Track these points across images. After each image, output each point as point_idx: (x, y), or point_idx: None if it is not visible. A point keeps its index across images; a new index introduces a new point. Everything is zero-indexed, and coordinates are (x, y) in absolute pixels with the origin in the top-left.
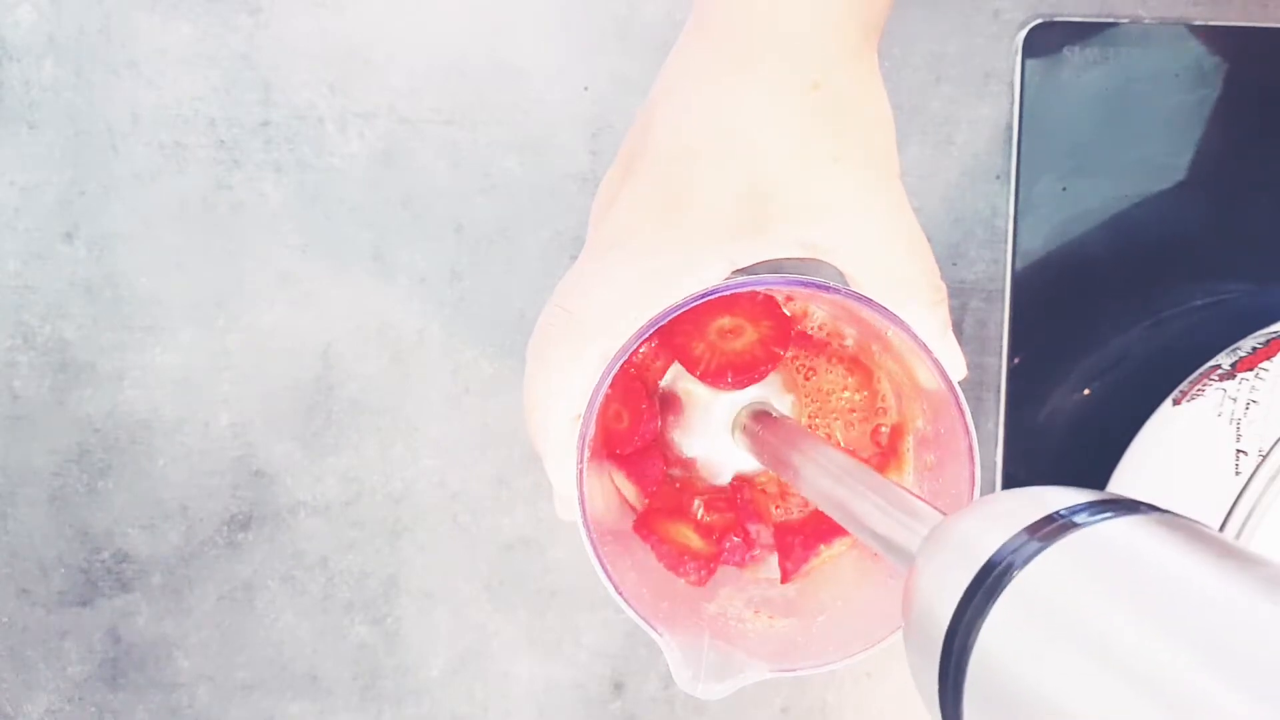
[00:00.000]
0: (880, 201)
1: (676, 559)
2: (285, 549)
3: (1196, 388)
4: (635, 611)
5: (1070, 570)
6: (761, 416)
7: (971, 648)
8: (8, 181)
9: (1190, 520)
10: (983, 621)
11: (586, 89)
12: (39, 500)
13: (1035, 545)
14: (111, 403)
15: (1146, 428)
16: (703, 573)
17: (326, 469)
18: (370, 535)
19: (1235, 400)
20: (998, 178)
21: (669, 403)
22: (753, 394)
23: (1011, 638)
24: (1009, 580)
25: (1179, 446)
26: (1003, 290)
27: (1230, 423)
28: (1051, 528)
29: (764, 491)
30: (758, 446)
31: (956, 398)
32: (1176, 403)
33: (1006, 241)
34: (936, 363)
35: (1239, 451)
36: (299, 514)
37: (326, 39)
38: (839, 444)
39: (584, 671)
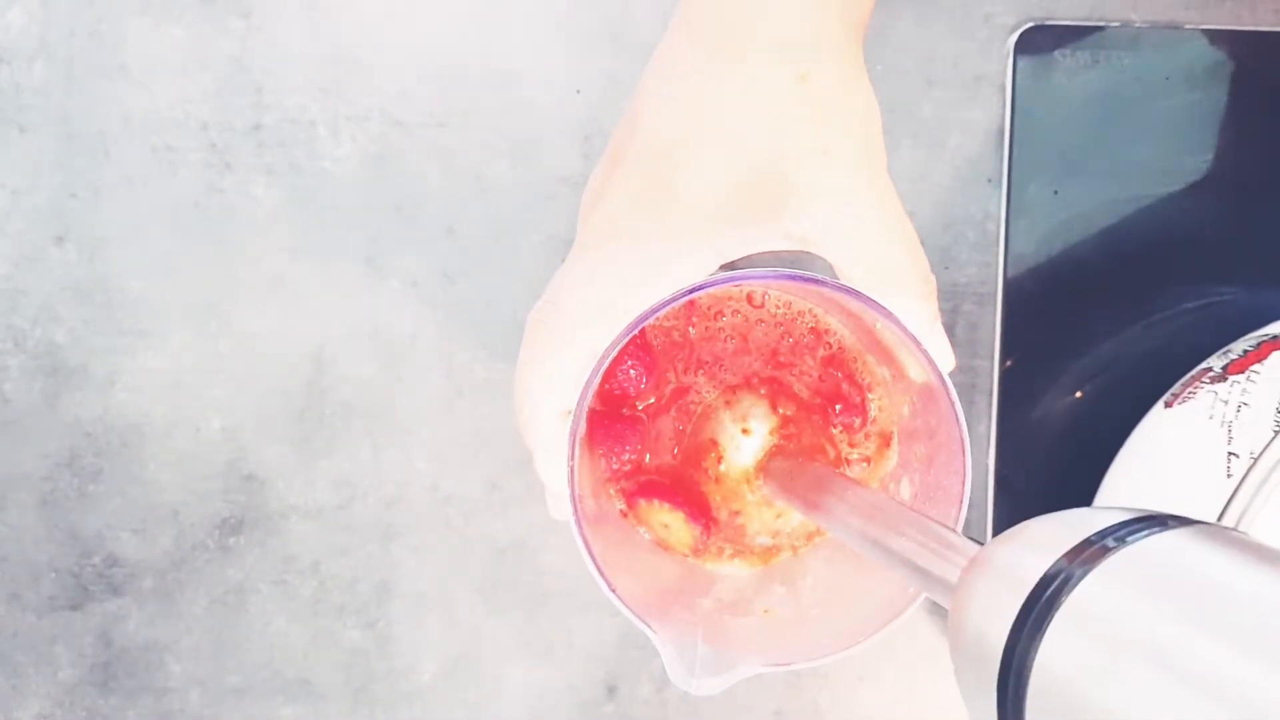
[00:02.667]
0: (868, 194)
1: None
2: (277, 553)
3: (1188, 390)
4: (628, 608)
5: (1119, 588)
6: (788, 460)
7: (1030, 671)
8: None
9: (1221, 527)
10: (1038, 645)
11: (579, 92)
12: (29, 504)
13: (1081, 567)
14: (102, 406)
15: (1138, 430)
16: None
17: (318, 473)
18: (362, 539)
19: (1227, 403)
20: (989, 181)
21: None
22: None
23: (1071, 658)
24: (1060, 602)
25: (1171, 449)
26: (994, 293)
27: (1222, 425)
28: (1093, 549)
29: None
30: (784, 489)
31: (947, 389)
32: (1168, 405)
33: (998, 245)
34: (926, 355)
35: (1230, 454)
36: (291, 518)
37: (318, 42)
38: (861, 480)
39: (577, 674)
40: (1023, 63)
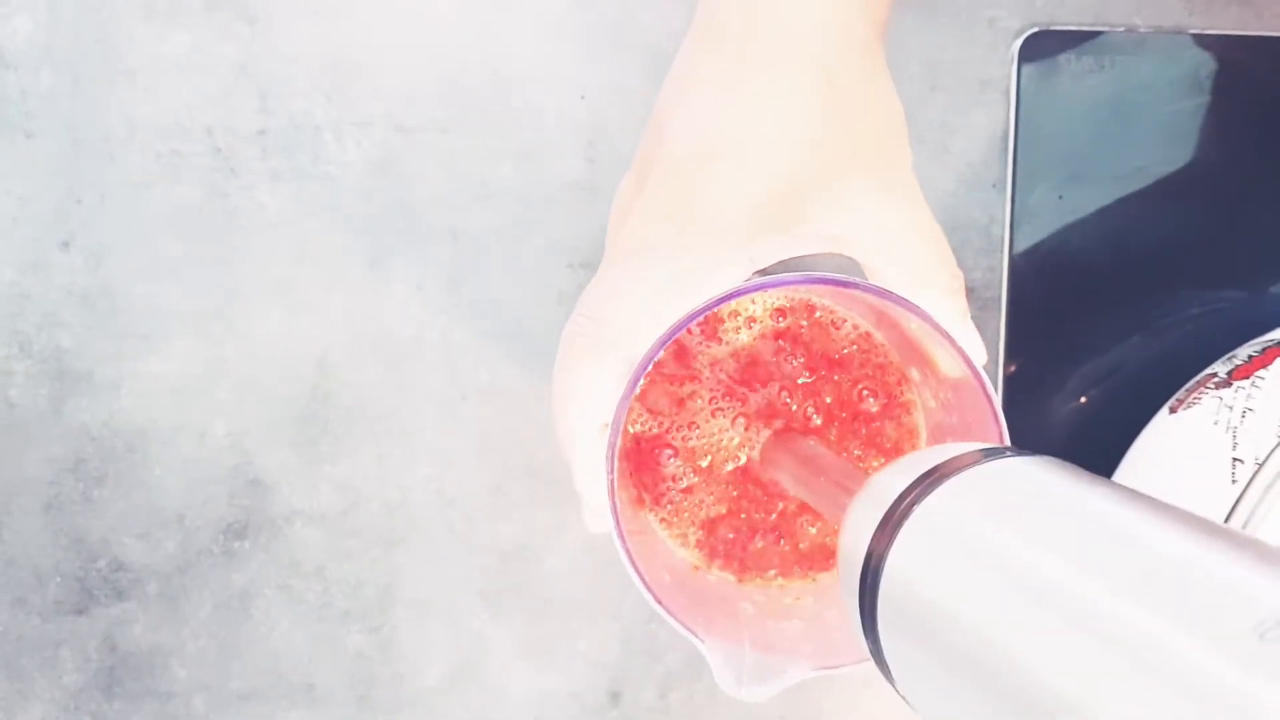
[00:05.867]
0: (896, 193)
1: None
2: (281, 558)
3: (1193, 396)
4: (674, 618)
5: (957, 499)
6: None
7: (881, 573)
8: (4, 190)
9: (1056, 461)
10: (889, 550)
11: (583, 97)
12: (35, 509)
13: (931, 485)
14: (108, 411)
15: (1143, 436)
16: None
17: (323, 477)
18: (367, 544)
19: (1231, 408)
20: (994, 186)
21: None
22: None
23: (910, 558)
24: (910, 513)
25: (1175, 454)
26: (999, 298)
27: (1226, 431)
28: (946, 469)
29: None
30: (765, 460)
31: (982, 384)
32: (1173, 411)
33: (1003, 249)
34: (961, 350)
35: (1235, 459)
36: (295, 523)
37: (323, 48)
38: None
39: (581, 681)
40: (1027, 67)
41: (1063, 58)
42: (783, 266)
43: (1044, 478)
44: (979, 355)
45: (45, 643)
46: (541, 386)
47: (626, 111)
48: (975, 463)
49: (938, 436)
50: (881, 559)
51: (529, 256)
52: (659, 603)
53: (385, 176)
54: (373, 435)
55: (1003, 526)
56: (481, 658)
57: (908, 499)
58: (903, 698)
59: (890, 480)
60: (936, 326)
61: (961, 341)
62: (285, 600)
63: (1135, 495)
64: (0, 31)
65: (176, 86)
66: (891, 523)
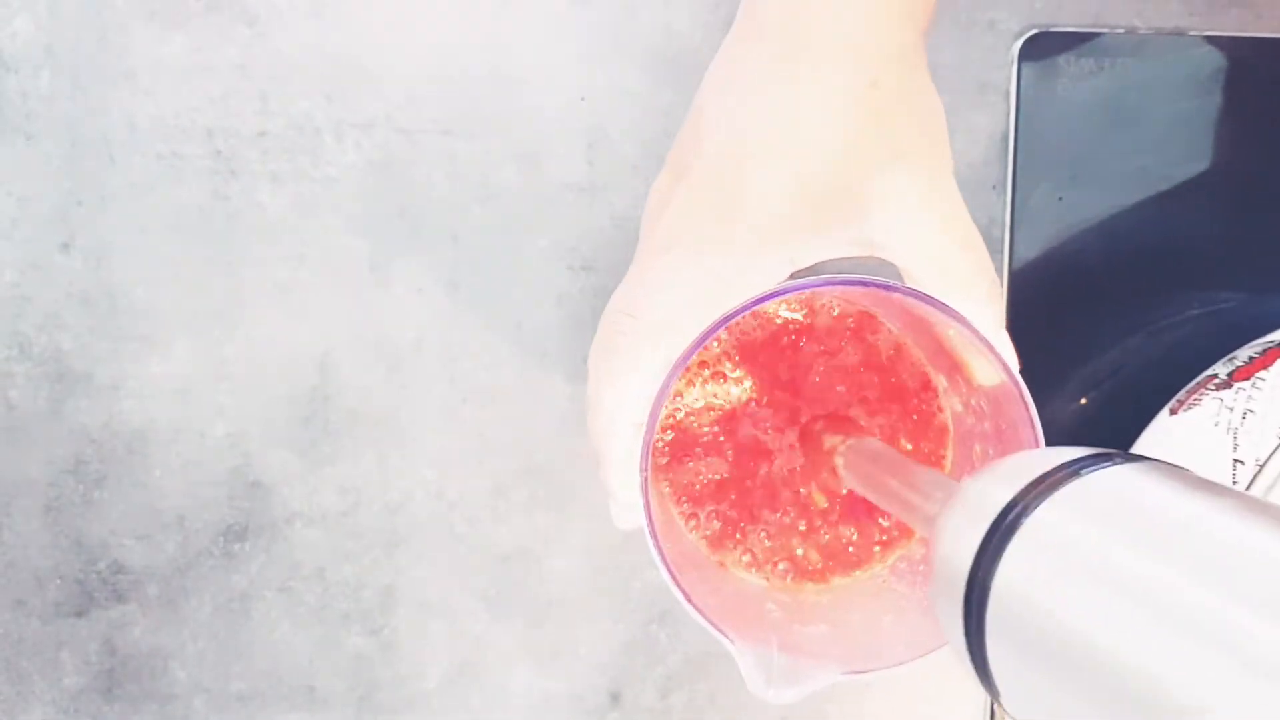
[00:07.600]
0: (938, 197)
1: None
2: (282, 560)
3: (1193, 397)
4: (704, 618)
5: (1070, 510)
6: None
7: (989, 589)
8: (5, 192)
9: (1173, 465)
10: (998, 564)
11: (583, 99)
12: (34, 511)
13: (1037, 496)
14: (108, 413)
15: (1143, 437)
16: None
17: (323, 479)
18: (367, 546)
19: (1232, 410)
20: (994, 188)
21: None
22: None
23: (1024, 574)
24: (1019, 526)
25: (1176, 456)
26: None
27: (1227, 432)
28: (1054, 479)
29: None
30: (816, 448)
31: (1022, 393)
32: (1173, 412)
33: (1003, 251)
34: (1000, 357)
35: (1236, 461)
36: (295, 524)
37: (323, 50)
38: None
39: (581, 682)
40: (1027, 69)
41: (1063, 59)
42: (817, 269)
43: (1153, 488)
44: (1011, 362)
45: (45, 645)
46: (542, 388)
47: (627, 113)
48: (1084, 470)
49: (965, 442)
50: (989, 573)
51: (530, 258)
52: (689, 600)
53: (386, 178)
54: (373, 437)
55: (1117, 540)
56: (482, 659)
57: (1014, 510)
58: (1005, 709)
59: (990, 489)
60: (976, 334)
61: (999, 349)
62: (285, 602)
63: (1243, 501)
64: (0, 33)
65: (177, 88)
66: (998, 535)
